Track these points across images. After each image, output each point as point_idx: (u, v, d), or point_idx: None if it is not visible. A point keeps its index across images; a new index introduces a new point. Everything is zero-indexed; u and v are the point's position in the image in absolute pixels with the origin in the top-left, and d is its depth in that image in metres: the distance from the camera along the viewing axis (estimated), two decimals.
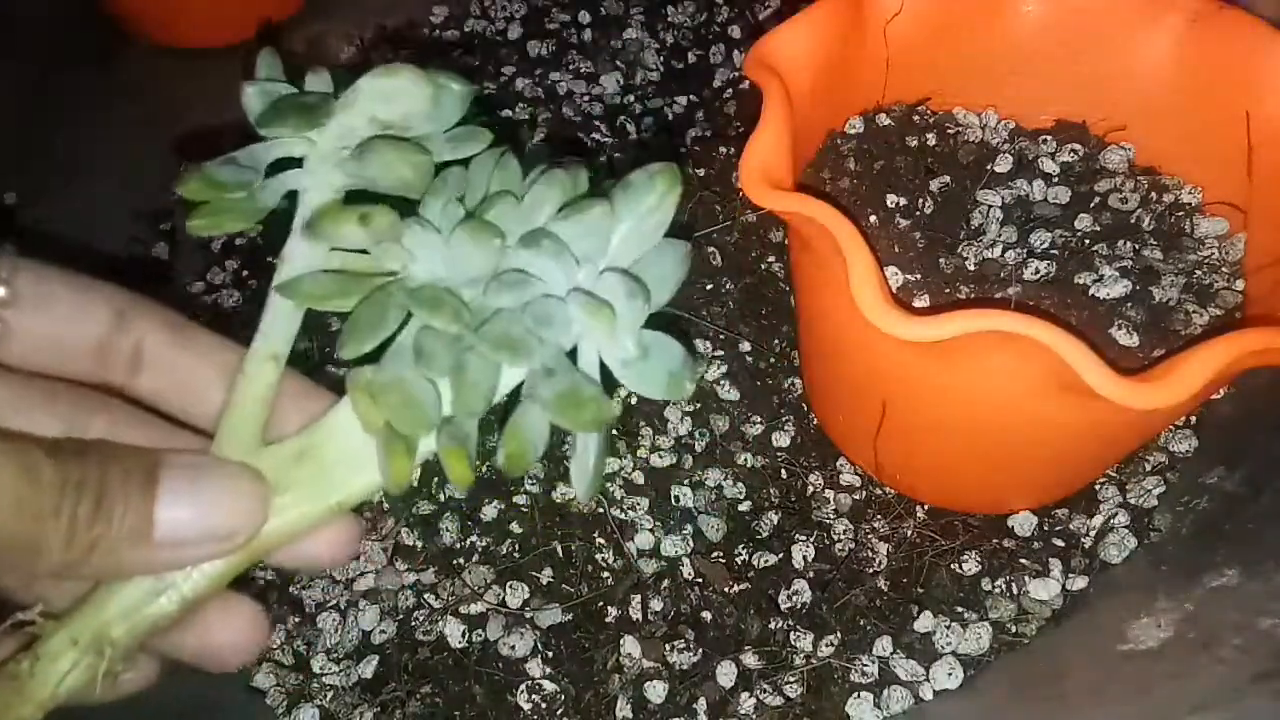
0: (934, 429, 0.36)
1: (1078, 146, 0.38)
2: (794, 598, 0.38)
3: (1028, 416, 0.32)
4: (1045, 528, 0.39)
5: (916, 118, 0.40)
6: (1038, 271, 0.34)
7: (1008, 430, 0.34)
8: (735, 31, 0.59)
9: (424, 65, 0.21)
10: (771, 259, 0.49)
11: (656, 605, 0.38)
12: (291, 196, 0.21)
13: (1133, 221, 0.36)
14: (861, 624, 0.37)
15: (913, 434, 0.37)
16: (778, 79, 0.33)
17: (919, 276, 0.35)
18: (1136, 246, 0.35)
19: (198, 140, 0.58)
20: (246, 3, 0.62)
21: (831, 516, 0.40)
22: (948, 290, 0.35)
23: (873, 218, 0.37)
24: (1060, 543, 0.38)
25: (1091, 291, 0.34)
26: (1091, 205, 0.37)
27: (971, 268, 0.35)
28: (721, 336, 0.46)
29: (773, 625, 0.37)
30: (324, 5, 0.64)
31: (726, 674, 0.36)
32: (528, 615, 0.38)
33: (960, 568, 0.38)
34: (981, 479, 0.38)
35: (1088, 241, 0.36)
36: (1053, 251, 0.35)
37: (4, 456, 0.17)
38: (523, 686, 0.37)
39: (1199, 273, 0.35)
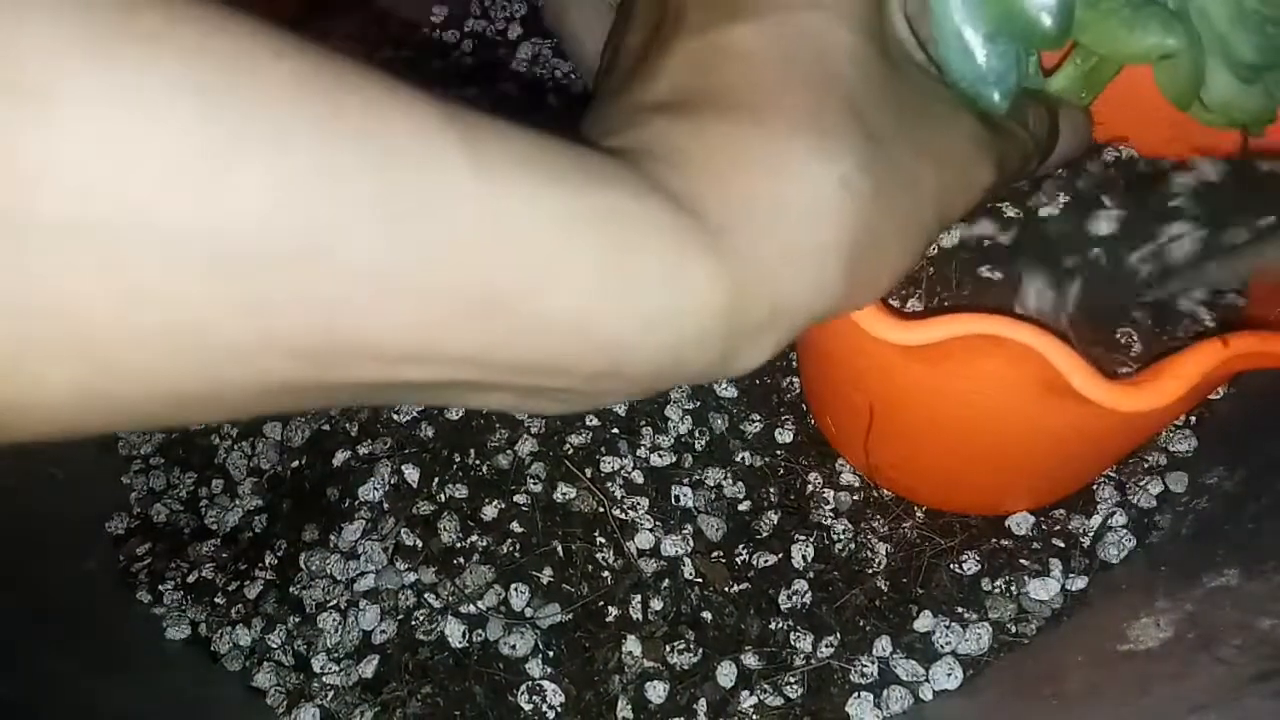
0: (927, 433, 0.36)
1: None
2: (794, 598, 0.38)
3: (1019, 420, 0.32)
4: (1044, 527, 0.39)
5: None
6: None
7: (1000, 433, 0.34)
8: None
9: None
10: None
11: (657, 605, 0.38)
12: None
13: None
14: (861, 624, 0.37)
15: (907, 438, 0.37)
16: None
17: (910, 281, 0.35)
18: None
19: None
20: (248, 6, 0.62)
21: (831, 516, 0.40)
22: (940, 291, 0.35)
23: None
24: (1059, 543, 0.38)
25: None
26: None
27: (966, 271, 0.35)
28: None
29: (773, 625, 0.37)
30: (323, 6, 0.64)
31: (726, 674, 0.36)
32: (528, 615, 0.38)
33: (960, 567, 0.38)
34: (977, 481, 0.38)
35: None
36: None
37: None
38: (523, 686, 0.37)
39: None
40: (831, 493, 0.41)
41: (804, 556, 0.39)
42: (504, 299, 0.16)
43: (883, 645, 0.36)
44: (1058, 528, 0.39)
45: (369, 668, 0.38)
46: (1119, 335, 0.30)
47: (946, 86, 0.24)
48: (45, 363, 0.13)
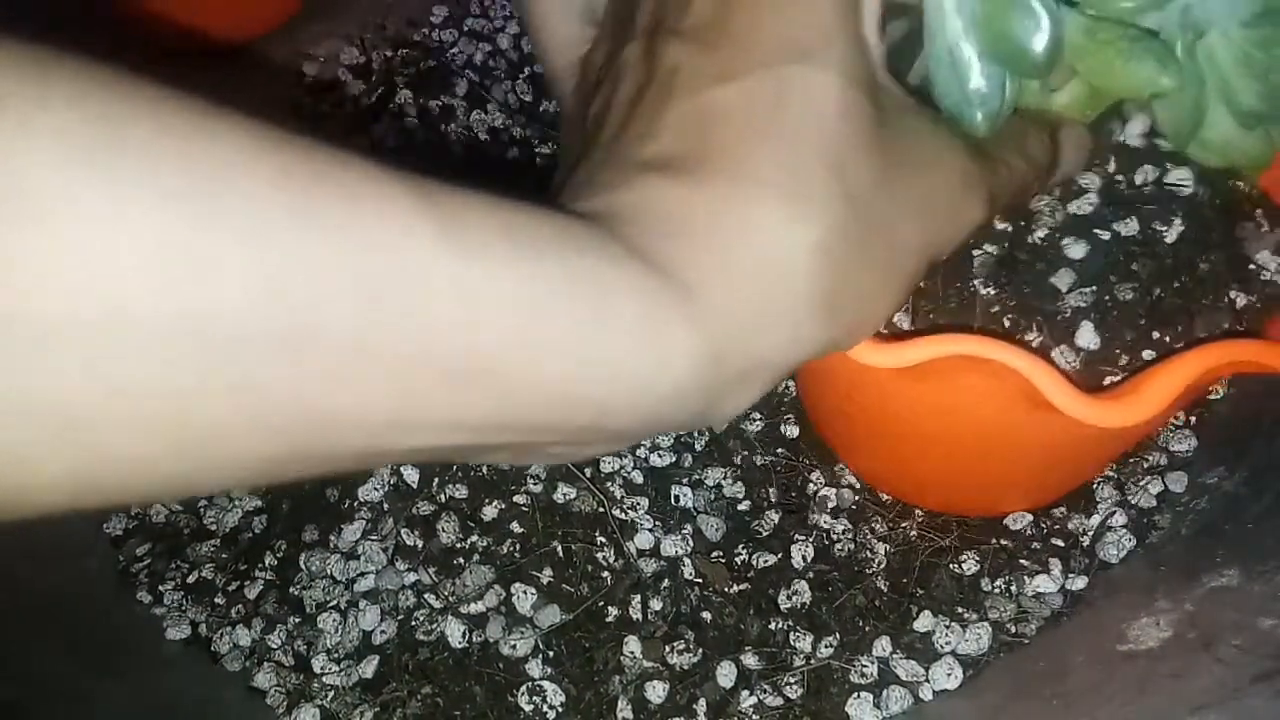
0: (917, 445, 0.36)
1: None
2: (794, 598, 0.38)
3: (1006, 432, 0.32)
4: (1043, 527, 0.39)
5: None
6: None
7: (988, 445, 0.34)
8: None
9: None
10: None
11: (656, 605, 0.38)
12: None
13: None
14: (861, 624, 0.37)
15: (898, 449, 0.37)
16: None
17: None
18: None
19: None
20: (246, 5, 0.62)
21: (831, 516, 0.40)
22: (927, 307, 0.34)
23: None
24: (1059, 542, 0.38)
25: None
26: None
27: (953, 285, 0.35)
28: None
29: (772, 625, 0.37)
30: (323, 6, 0.64)
31: (726, 674, 0.36)
32: (528, 615, 0.38)
33: (959, 567, 0.38)
34: (970, 488, 0.38)
35: None
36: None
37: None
38: (523, 687, 0.37)
39: None
40: (831, 492, 0.41)
41: (804, 556, 0.39)
42: (484, 368, 0.17)
43: (883, 645, 0.36)
44: (1057, 527, 0.39)
45: (369, 668, 0.38)
46: (1104, 341, 0.30)
47: (934, 120, 0.24)
48: (40, 452, 0.13)
